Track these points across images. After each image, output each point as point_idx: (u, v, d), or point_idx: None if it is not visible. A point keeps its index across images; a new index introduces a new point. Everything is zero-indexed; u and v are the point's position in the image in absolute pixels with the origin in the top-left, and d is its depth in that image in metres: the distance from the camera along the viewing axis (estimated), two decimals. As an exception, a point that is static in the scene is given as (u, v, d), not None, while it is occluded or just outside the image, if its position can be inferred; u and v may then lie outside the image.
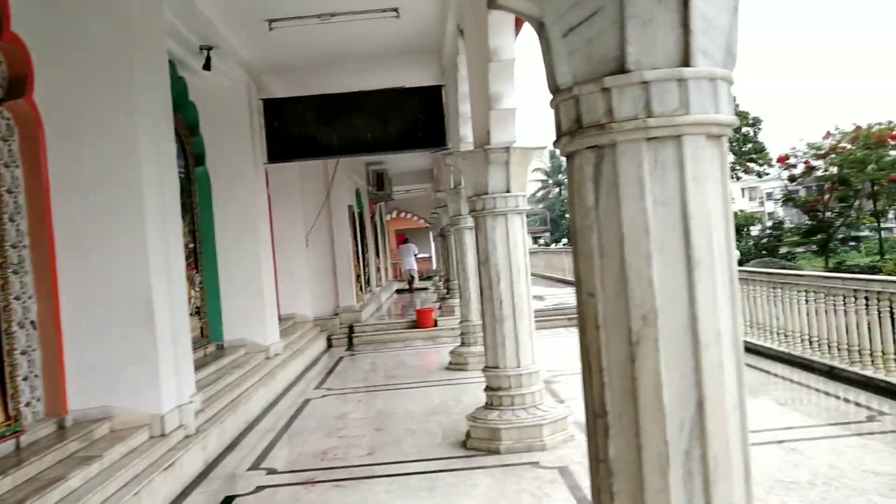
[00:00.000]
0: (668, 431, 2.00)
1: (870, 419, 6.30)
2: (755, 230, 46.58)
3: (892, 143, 34.28)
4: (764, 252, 38.86)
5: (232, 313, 9.83)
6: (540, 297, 16.77)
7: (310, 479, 5.87)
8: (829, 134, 35.90)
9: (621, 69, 1.97)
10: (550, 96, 2.16)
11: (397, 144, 10.64)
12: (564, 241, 54.65)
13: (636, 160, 2.00)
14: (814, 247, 41.90)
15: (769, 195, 61.04)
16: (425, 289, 26.39)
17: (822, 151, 35.32)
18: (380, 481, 5.66)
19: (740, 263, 33.09)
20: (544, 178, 74.77)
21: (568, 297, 16.68)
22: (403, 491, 5.41)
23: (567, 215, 70.91)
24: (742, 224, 36.02)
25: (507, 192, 6.20)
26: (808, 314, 8.47)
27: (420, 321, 14.63)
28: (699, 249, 1.99)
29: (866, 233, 46.46)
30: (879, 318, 7.27)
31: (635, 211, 2.00)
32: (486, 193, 6.19)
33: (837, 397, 7.22)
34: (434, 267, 32.53)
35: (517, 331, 6.24)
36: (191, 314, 8.63)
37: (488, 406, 6.37)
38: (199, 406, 6.80)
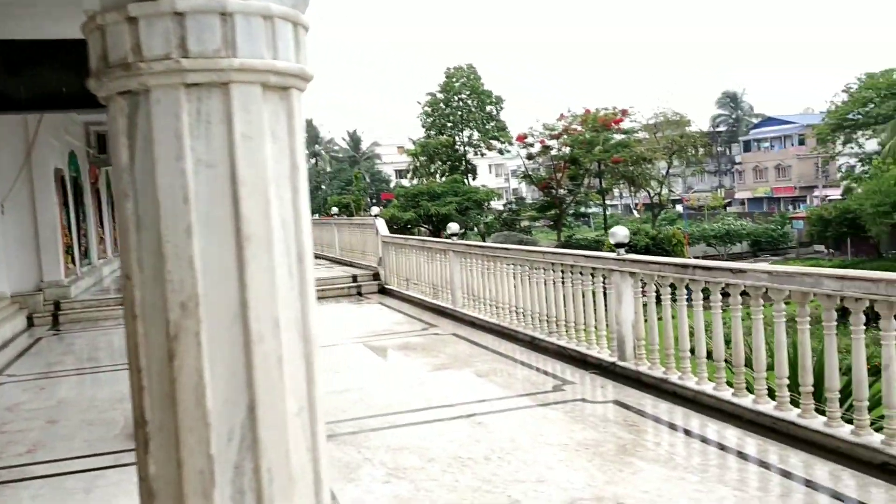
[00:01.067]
0: (212, 443, 1.65)
1: (556, 389, 6.52)
2: (498, 205, 48.94)
3: (616, 126, 37.43)
4: (504, 226, 40.94)
5: None
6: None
7: (-55, 486, 5.00)
8: (562, 116, 38.39)
9: (152, -5, 1.57)
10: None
11: (42, 104, 9.34)
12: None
13: (174, 111, 1.60)
14: (549, 221, 44.86)
15: (514, 172, 64.44)
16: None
17: (556, 132, 37.70)
18: (31, 484, 4.93)
19: (482, 237, 34.32)
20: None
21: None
22: (55, 494, 4.75)
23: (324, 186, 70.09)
24: (484, 199, 37.55)
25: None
26: (514, 286, 8.72)
27: (138, 296, 13.49)
28: (252, 223, 1.64)
29: (595, 209, 50.52)
30: (597, 290, 7.28)
31: (174, 174, 1.61)
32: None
33: (537, 369, 7.43)
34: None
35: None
36: None
37: (171, 392, 5.81)
38: None
